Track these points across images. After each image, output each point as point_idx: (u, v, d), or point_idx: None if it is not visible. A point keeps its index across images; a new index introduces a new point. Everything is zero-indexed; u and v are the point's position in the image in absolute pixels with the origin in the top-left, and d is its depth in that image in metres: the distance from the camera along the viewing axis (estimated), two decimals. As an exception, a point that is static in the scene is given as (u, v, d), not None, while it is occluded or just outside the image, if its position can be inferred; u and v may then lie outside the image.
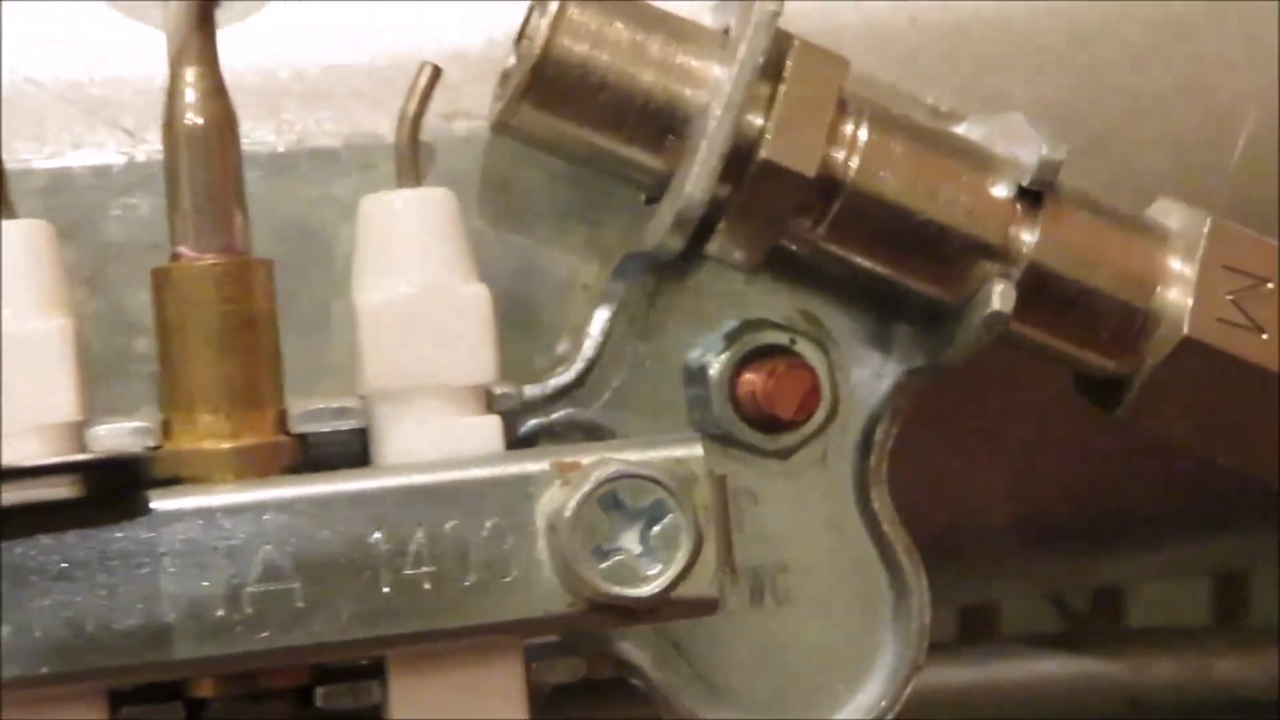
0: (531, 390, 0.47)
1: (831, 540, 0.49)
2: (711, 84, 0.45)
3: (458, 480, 0.44)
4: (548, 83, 0.45)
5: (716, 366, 0.48)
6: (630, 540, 0.44)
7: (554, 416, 0.48)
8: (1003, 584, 0.61)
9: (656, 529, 0.44)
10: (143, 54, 0.47)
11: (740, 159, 0.45)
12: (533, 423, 0.48)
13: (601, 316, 0.48)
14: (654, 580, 0.44)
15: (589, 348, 0.48)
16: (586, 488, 0.44)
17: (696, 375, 0.49)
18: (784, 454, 0.49)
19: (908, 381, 0.49)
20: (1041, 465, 0.55)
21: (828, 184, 0.46)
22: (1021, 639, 0.63)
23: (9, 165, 0.45)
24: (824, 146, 0.45)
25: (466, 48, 0.49)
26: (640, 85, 0.45)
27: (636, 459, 0.44)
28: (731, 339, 0.49)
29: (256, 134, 0.48)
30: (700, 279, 0.49)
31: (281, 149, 0.48)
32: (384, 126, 0.47)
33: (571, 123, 0.45)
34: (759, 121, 0.45)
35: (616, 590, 0.44)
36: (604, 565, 0.44)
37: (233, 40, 0.47)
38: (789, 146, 0.45)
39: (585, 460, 0.45)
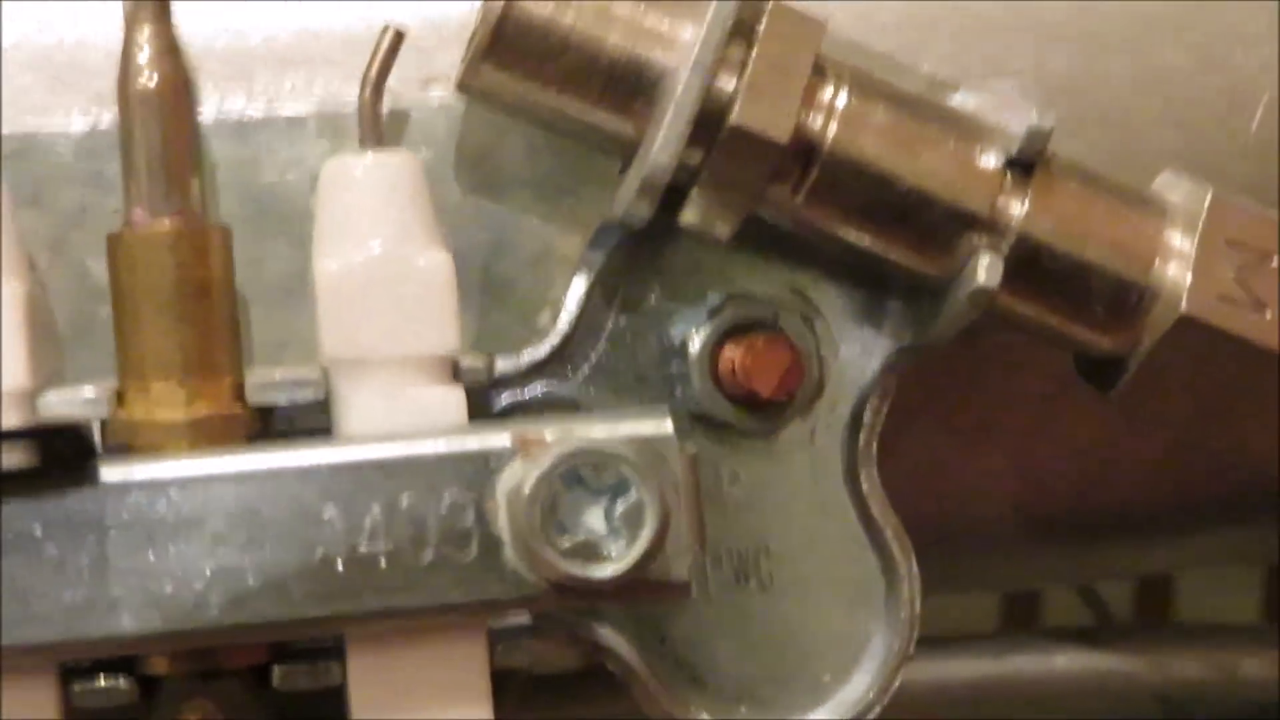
0: (504, 364, 0.46)
1: (818, 523, 0.48)
2: (681, 46, 0.43)
3: (415, 453, 0.43)
4: (509, 43, 0.43)
5: (698, 341, 0.47)
6: (594, 519, 0.43)
7: (529, 392, 0.46)
8: (1003, 575, 0.59)
9: (620, 507, 0.43)
10: (111, 18, 0.46)
11: (711, 124, 0.43)
12: (508, 398, 0.46)
13: (578, 287, 0.46)
14: (617, 561, 0.43)
15: (564, 320, 0.46)
16: (546, 463, 0.42)
17: (677, 350, 0.47)
18: (767, 433, 0.47)
19: (898, 359, 0.47)
20: (1042, 454, 0.53)
21: (804, 150, 0.44)
22: (1042, 633, 0.61)
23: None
24: (798, 111, 0.43)
25: (444, 14, 0.47)
26: (606, 47, 0.43)
27: (602, 434, 0.43)
28: (714, 313, 0.47)
29: (226, 100, 0.46)
30: (683, 251, 0.47)
31: (251, 115, 0.46)
32: (356, 94, 0.46)
33: (535, 84, 0.44)
34: (730, 85, 0.43)
35: (577, 570, 0.42)
36: (565, 544, 0.42)
37: (203, 4, 0.46)
38: (761, 111, 0.43)
39: (548, 435, 0.43)
